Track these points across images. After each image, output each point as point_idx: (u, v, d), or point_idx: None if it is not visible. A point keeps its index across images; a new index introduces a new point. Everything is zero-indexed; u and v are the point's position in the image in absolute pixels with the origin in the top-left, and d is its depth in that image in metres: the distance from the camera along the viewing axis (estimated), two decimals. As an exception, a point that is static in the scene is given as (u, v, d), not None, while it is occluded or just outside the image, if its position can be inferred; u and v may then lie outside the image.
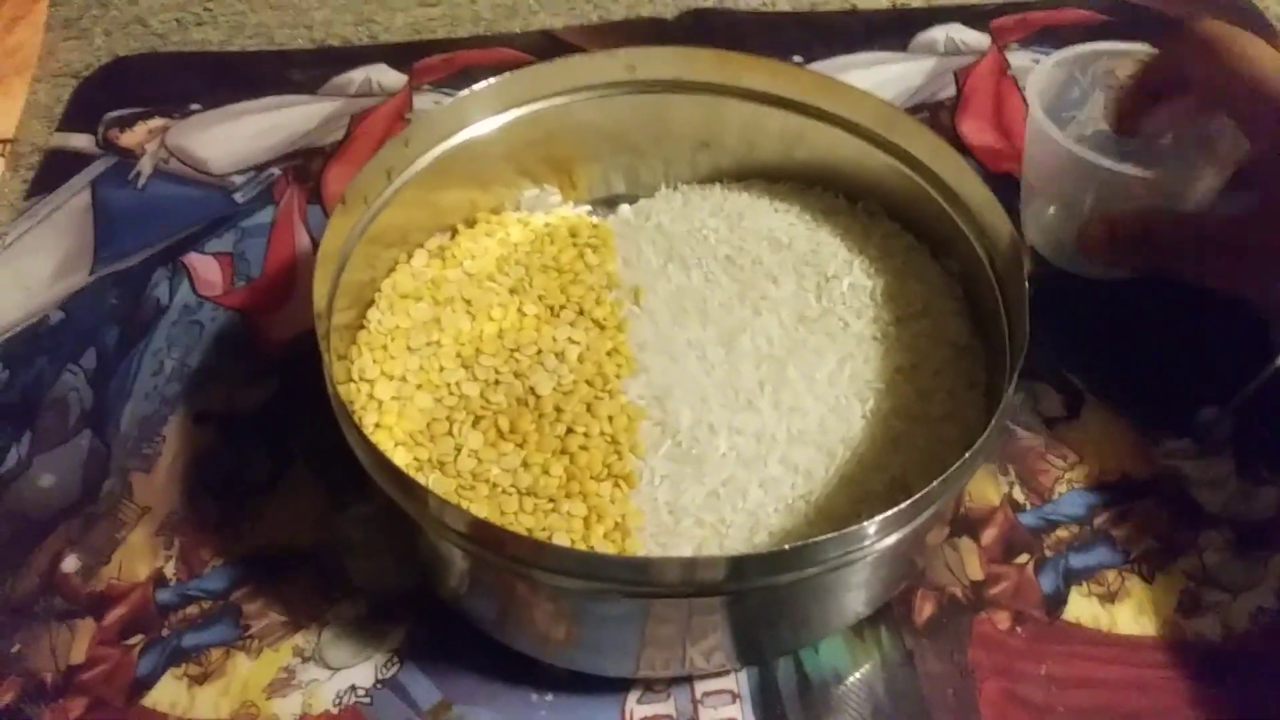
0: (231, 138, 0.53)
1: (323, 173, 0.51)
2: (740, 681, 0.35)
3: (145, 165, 0.52)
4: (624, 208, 0.46)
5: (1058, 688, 0.35)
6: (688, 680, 0.35)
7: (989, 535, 0.39)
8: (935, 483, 0.31)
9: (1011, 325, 0.36)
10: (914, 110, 0.53)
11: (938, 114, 0.53)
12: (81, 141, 0.54)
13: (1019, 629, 0.37)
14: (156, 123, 0.54)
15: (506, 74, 0.42)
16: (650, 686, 0.35)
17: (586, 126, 0.44)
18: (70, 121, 0.55)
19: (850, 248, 0.42)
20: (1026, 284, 0.35)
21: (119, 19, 0.61)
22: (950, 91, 0.55)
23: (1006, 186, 0.50)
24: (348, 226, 0.38)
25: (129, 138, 0.54)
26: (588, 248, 0.43)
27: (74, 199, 0.51)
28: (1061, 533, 0.39)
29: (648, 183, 0.47)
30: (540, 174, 0.46)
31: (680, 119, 0.45)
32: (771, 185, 0.45)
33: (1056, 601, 0.37)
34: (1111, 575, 0.38)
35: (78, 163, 0.52)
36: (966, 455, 0.31)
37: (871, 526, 0.30)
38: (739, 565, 0.31)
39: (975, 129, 0.53)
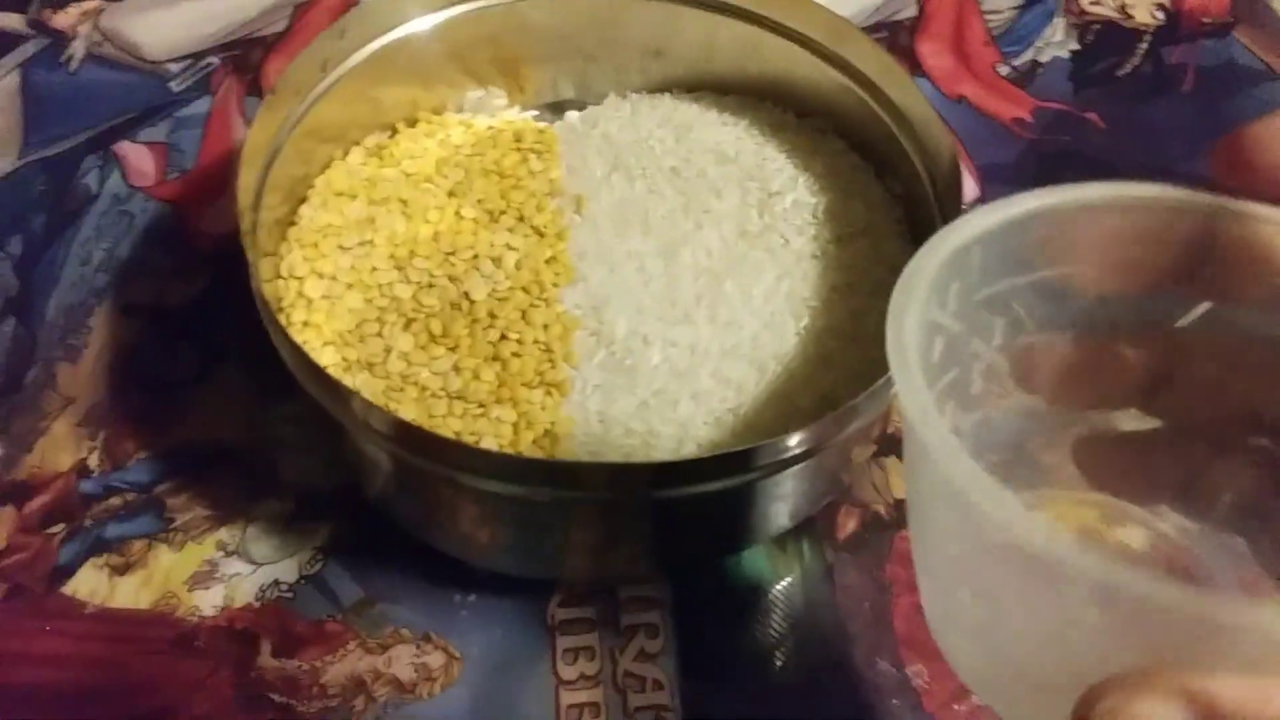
0: (169, 24, 0.51)
1: (262, 64, 0.50)
2: (662, 589, 0.36)
3: (78, 48, 0.50)
4: (571, 114, 0.45)
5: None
6: (611, 587, 0.36)
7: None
8: (860, 397, 0.31)
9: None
10: (873, 29, 0.53)
11: (897, 34, 0.53)
12: (11, 21, 0.51)
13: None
14: (90, 4, 0.52)
15: (450, -33, 0.40)
16: (572, 591, 0.36)
17: (536, 28, 0.43)
18: (-1, -1, 0.52)
19: (796, 164, 0.42)
20: (963, 207, 0.34)
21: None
22: (911, 11, 0.54)
23: (962, 110, 0.50)
24: (279, 119, 0.37)
25: (61, 19, 0.51)
26: (531, 153, 0.42)
27: (2, 81, 0.49)
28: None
29: (598, 90, 0.46)
30: (486, 75, 0.44)
31: (634, 25, 0.43)
32: (721, 98, 0.45)
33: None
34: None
35: (7, 43, 0.50)
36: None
37: (795, 438, 0.30)
38: (663, 471, 0.32)
39: (933, 50, 0.52)
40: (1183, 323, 0.26)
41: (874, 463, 0.39)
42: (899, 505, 0.38)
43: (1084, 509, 0.30)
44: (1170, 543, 0.29)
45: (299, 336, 0.36)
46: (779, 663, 0.35)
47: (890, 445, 0.39)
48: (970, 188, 0.46)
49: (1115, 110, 0.50)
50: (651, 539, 0.34)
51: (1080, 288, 0.27)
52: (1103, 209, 0.25)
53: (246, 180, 0.34)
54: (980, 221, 0.25)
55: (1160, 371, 0.27)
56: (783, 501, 0.34)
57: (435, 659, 0.34)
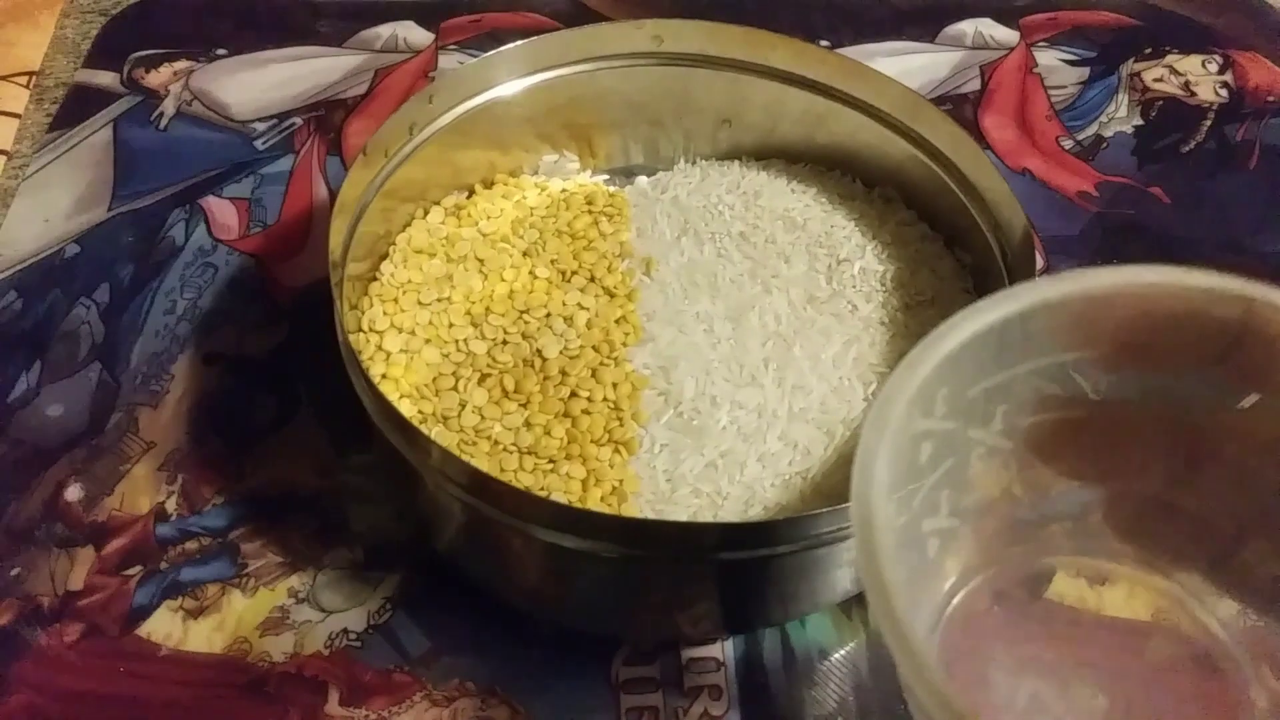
0: (255, 84, 0.53)
1: (344, 125, 0.52)
2: (726, 650, 0.36)
3: (168, 106, 0.52)
4: (641, 179, 0.46)
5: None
6: (674, 646, 0.36)
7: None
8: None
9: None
10: (937, 102, 0.53)
11: (961, 107, 0.53)
12: (106, 79, 0.54)
13: (996, 608, 0.37)
14: (181, 65, 0.54)
15: (534, 38, 0.42)
16: (637, 649, 0.36)
17: (609, 95, 0.44)
18: (96, 59, 0.55)
19: (864, 232, 0.42)
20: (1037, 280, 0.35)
21: (150, -41, 0.61)
22: (975, 85, 0.55)
23: (1026, 183, 0.50)
24: (367, 178, 0.38)
25: (154, 78, 0.54)
26: (603, 216, 0.43)
27: (95, 135, 0.51)
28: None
29: (667, 156, 0.47)
30: (560, 140, 0.46)
31: (704, 94, 0.45)
32: (790, 166, 0.45)
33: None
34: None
35: (101, 100, 0.53)
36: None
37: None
38: (732, 533, 0.32)
39: (997, 124, 0.53)
40: (1226, 415, 0.25)
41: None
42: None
43: (1148, 592, 0.29)
44: (1213, 638, 0.28)
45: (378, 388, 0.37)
46: (843, 731, 0.35)
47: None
48: (1037, 261, 0.46)
49: (1180, 185, 0.50)
50: (717, 600, 0.34)
51: (1093, 372, 0.26)
52: (1111, 297, 0.24)
53: (336, 235, 0.35)
54: (968, 326, 0.24)
55: (1189, 457, 0.26)
56: (849, 567, 0.34)
57: (500, 713, 0.34)
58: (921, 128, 0.41)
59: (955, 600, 0.28)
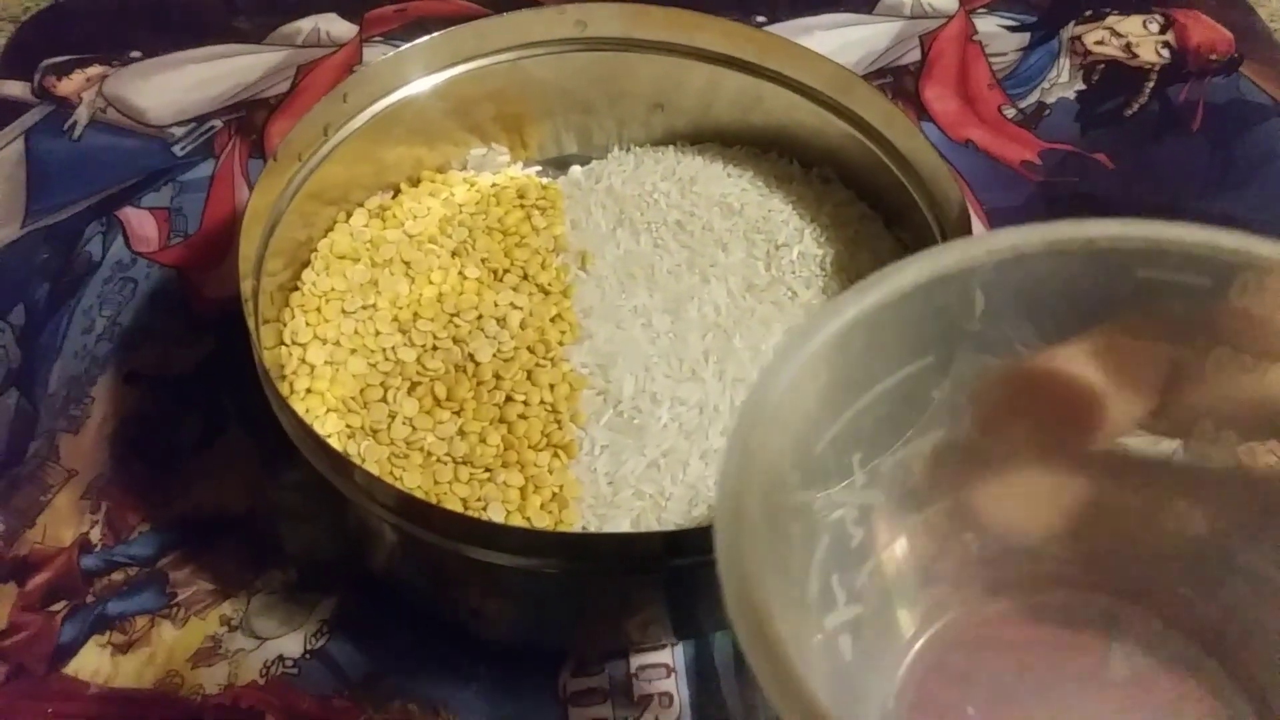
0: (172, 87, 0.51)
1: (266, 126, 0.50)
2: (675, 655, 0.35)
3: (81, 114, 0.50)
4: (575, 169, 0.45)
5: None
6: (623, 654, 0.35)
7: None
8: (879, 458, 0.30)
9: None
10: (878, 74, 0.52)
11: (902, 79, 0.52)
12: (16, 89, 0.52)
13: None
14: (94, 70, 0.52)
15: (450, 29, 0.40)
16: (585, 660, 0.35)
17: (536, 84, 0.43)
18: (5, 68, 0.53)
19: (802, 215, 0.41)
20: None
21: (58, -40, 0.58)
22: (915, 56, 0.53)
23: (969, 154, 0.49)
24: (279, 185, 0.36)
25: (65, 85, 0.52)
26: (535, 210, 0.42)
27: (6, 149, 0.49)
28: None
29: (600, 144, 0.45)
30: (490, 132, 0.44)
31: (633, 78, 0.43)
32: (726, 149, 0.44)
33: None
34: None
35: (11, 111, 0.50)
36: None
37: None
38: (675, 540, 0.31)
39: (938, 95, 0.52)
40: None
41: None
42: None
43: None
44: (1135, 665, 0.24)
45: (302, 404, 0.35)
46: (799, 731, 0.34)
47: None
48: (979, 232, 0.46)
49: (1123, 150, 0.49)
50: (664, 606, 0.33)
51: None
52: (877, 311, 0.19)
53: (247, 246, 0.34)
54: (785, 372, 0.18)
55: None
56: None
57: (445, 735, 0.33)
58: (855, 105, 0.40)
59: (910, 656, 0.24)
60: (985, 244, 0.20)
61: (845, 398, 0.21)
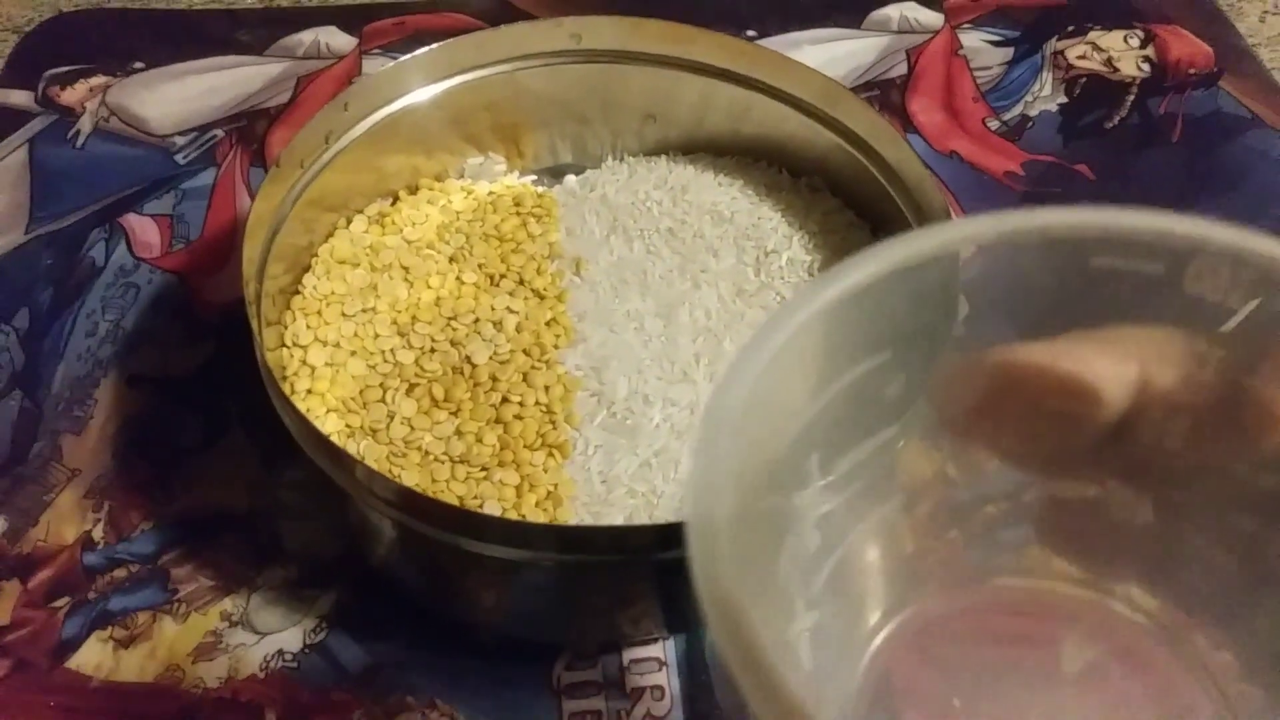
0: (174, 98, 0.52)
1: (267, 135, 0.51)
2: (668, 649, 0.36)
3: (85, 124, 0.51)
4: (570, 178, 0.46)
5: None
6: (616, 647, 0.36)
7: (924, 508, 0.39)
8: (865, 453, 0.31)
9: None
10: (865, 88, 0.53)
11: (888, 92, 0.54)
12: (20, 98, 0.52)
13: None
14: (98, 80, 0.53)
15: (449, 40, 0.41)
16: (579, 653, 0.35)
17: (532, 95, 0.44)
18: (9, 78, 0.53)
19: (791, 223, 0.42)
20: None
21: (62, -27, 0.59)
22: (902, 70, 0.55)
23: (954, 165, 0.50)
24: (281, 191, 0.37)
25: (69, 95, 0.53)
26: (531, 217, 0.43)
27: (10, 157, 0.50)
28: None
29: (595, 153, 0.47)
30: (486, 142, 0.45)
31: (627, 90, 0.44)
32: (717, 159, 0.45)
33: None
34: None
35: (15, 120, 0.51)
36: (894, 427, 0.31)
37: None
38: (667, 533, 0.31)
39: (924, 107, 0.53)
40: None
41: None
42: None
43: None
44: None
45: (303, 404, 0.36)
46: (788, 723, 0.35)
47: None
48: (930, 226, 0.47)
49: (1105, 161, 0.51)
50: (657, 600, 0.34)
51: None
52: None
53: (250, 251, 0.35)
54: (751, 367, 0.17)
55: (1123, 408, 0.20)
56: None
57: (441, 727, 0.34)
58: (842, 115, 0.41)
59: (878, 640, 0.23)
60: (937, 237, 0.19)
61: (804, 398, 0.20)
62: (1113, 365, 0.20)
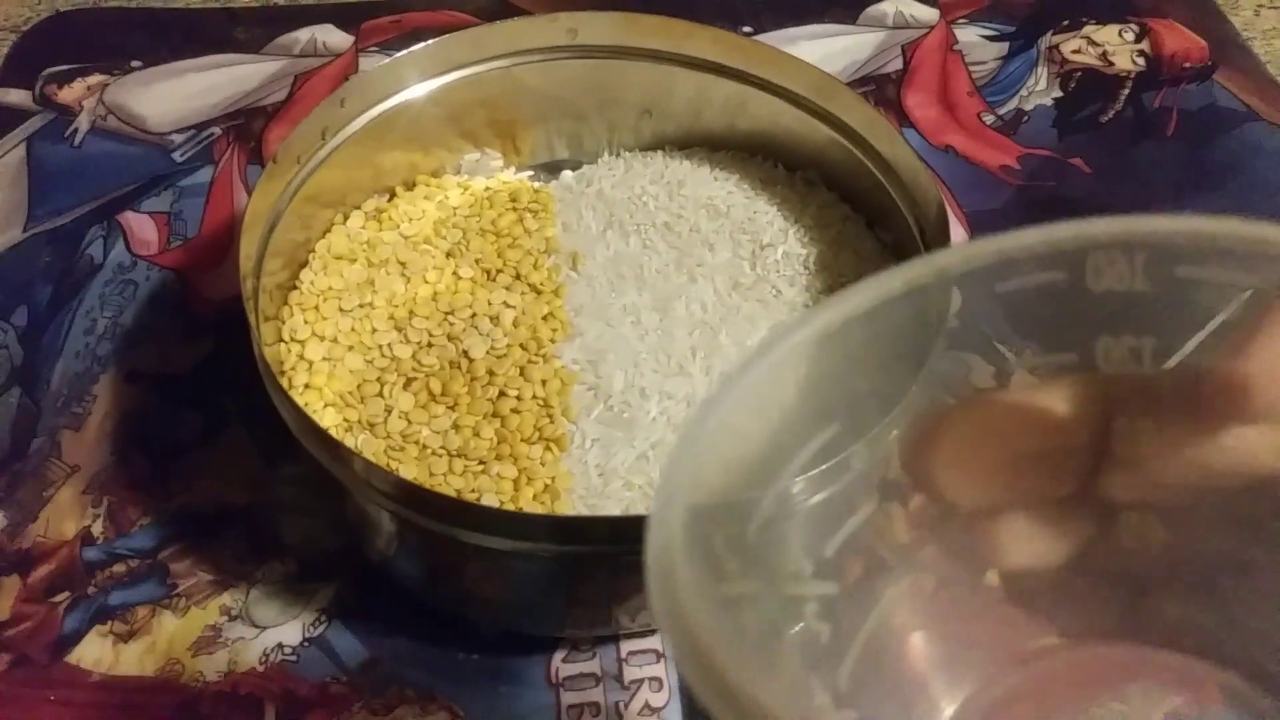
0: (172, 96, 0.52)
1: (264, 133, 0.51)
2: (665, 641, 0.36)
3: (82, 122, 0.51)
4: (566, 173, 0.46)
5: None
6: (614, 639, 0.36)
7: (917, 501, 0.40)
8: (858, 444, 0.31)
9: (939, 295, 0.36)
10: (860, 83, 0.54)
11: (884, 87, 0.54)
12: (18, 97, 0.53)
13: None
14: (95, 79, 0.53)
15: (445, 36, 0.41)
16: (576, 645, 0.36)
17: (529, 91, 0.44)
18: (7, 76, 0.54)
19: (786, 217, 0.42)
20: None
21: (59, -28, 0.59)
22: (897, 65, 0.55)
23: (949, 159, 0.51)
24: (279, 187, 0.38)
25: (67, 94, 0.53)
26: (527, 212, 0.43)
27: (8, 155, 0.50)
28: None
29: (591, 149, 0.47)
30: (483, 138, 0.45)
31: (624, 85, 0.44)
32: (713, 154, 0.45)
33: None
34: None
35: (13, 118, 0.51)
36: (886, 419, 0.31)
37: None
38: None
39: (920, 101, 0.53)
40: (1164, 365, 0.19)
41: (878, 510, 0.39)
42: (900, 550, 0.38)
43: None
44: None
45: (300, 399, 0.36)
46: (785, 714, 0.35)
47: (892, 492, 0.39)
48: (959, 235, 0.47)
49: (1100, 155, 0.51)
50: (654, 592, 0.34)
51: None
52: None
53: (248, 247, 0.35)
54: (691, 467, 0.16)
55: (1101, 432, 0.19)
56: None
57: (440, 718, 0.34)
58: (838, 110, 0.41)
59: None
60: (898, 277, 0.18)
61: (771, 471, 0.18)
62: (1069, 386, 0.19)
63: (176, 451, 0.40)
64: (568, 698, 0.34)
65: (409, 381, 0.37)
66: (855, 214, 0.43)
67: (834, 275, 0.40)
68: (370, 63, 0.54)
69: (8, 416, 0.41)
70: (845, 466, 0.20)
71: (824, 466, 0.20)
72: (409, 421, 0.36)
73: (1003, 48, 0.56)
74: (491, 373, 0.38)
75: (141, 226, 0.47)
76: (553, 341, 0.39)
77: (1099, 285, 0.18)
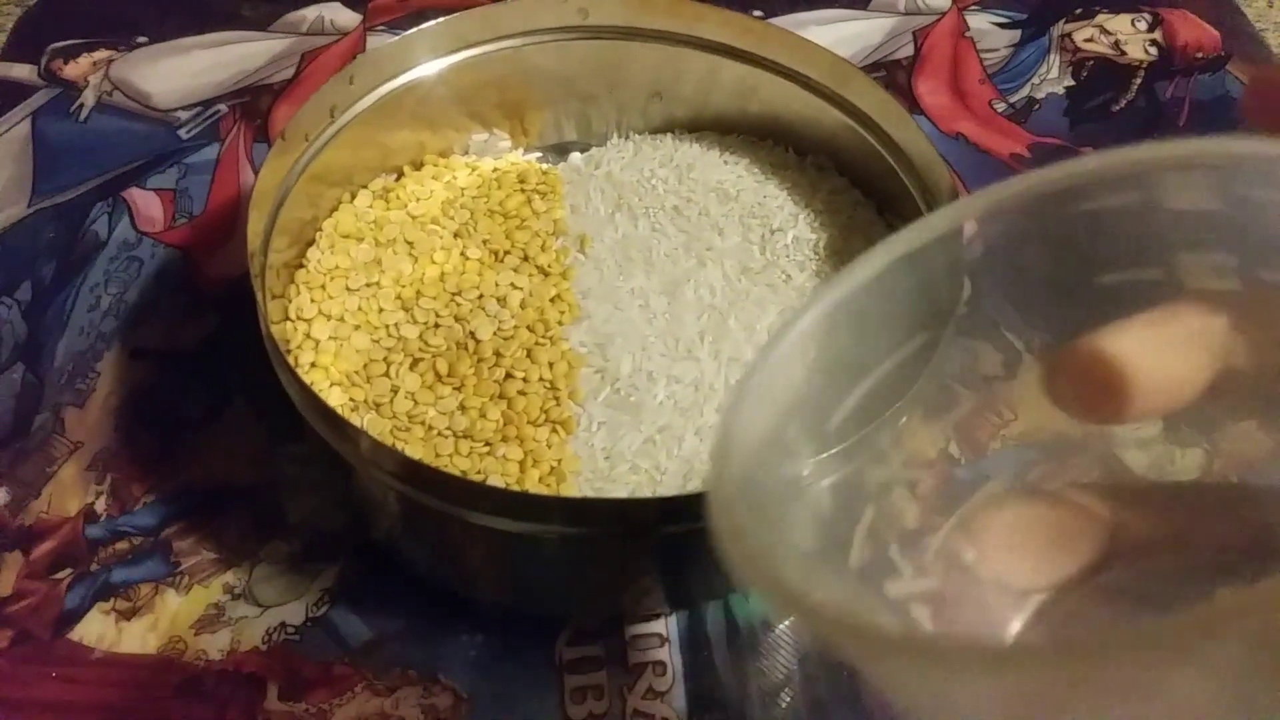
0: (178, 72, 0.52)
1: (270, 111, 0.50)
2: (669, 625, 0.36)
3: (88, 98, 0.51)
4: (574, 155, 0.46)
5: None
6: (618, 624, 0.36)
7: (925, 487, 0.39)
8: (866, 430, 0.31)
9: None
10: (871, 69, 0.53)
11: (895, 73, 0.53)
12: (23, 72, 0.52)
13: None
14: (101, 54, 0.53)
15: (455, 15, 0.41)
16: (581, 629, 0.35)
17: (539, 71, 0.44)
18: (12, 51, 0.53)
19: (796, 201, 0.42)
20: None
21: (65, -53, 0.59)
22: (908, 51, 0.54)
23: (959, 147, 0.50)
24: (287, 164, 0.37)
25: (72, 69, 0.52)
26: (535, 194, 0.43)
27: (13, 130, 0.50)
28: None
29: (600, 131, 0.46)
30: (491, 118, 0.45)
31: (635, 67, 0.44)
32: (723, 137, 0.45)
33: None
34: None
35: (19, 93, 0.51)
36: (898, 404, 0.31)
37: (800, 474, 0.30)
38: (670, 507, 0.31)
39: (931, 89, 0.53)
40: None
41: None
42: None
43: None
44: None
45: (307, 377, 0.36)
46: (787, 699, 0.35)
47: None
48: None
49: (1111, 144, 0.50)
50: (659, 574, 0.34)
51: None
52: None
53: (255, 224, 0.35)
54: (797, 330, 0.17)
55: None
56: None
57: (443, 700, 0.34)
58: (851, 95, 0.41)
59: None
60: (938, 220, 0.18)
61: (843, 381, 0.20)
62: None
63: (180, 429, 0.40)
64: (571, 680, 0.34)
65: (415, 362, 0.37)
66: (866, 199, 0.42)
67: (844, 261, 0.40)
68: (378, 41, 0.54)
69: (11, 392, 0.41)
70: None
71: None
72: (415, 402, 0.36)
73: (1015, 35, 0.55)
74: (498, 354, 0.37)
75: (147, 203, 0.47)
76: (560, 324, 0.39)
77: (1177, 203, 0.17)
